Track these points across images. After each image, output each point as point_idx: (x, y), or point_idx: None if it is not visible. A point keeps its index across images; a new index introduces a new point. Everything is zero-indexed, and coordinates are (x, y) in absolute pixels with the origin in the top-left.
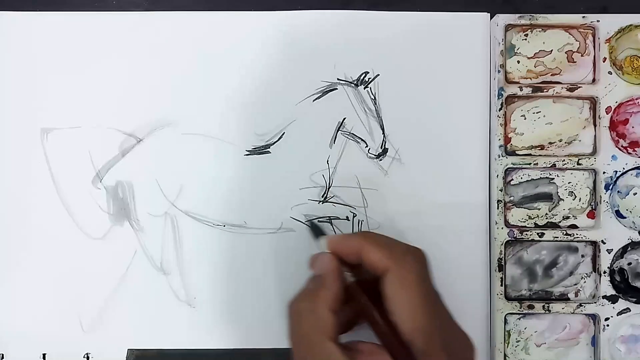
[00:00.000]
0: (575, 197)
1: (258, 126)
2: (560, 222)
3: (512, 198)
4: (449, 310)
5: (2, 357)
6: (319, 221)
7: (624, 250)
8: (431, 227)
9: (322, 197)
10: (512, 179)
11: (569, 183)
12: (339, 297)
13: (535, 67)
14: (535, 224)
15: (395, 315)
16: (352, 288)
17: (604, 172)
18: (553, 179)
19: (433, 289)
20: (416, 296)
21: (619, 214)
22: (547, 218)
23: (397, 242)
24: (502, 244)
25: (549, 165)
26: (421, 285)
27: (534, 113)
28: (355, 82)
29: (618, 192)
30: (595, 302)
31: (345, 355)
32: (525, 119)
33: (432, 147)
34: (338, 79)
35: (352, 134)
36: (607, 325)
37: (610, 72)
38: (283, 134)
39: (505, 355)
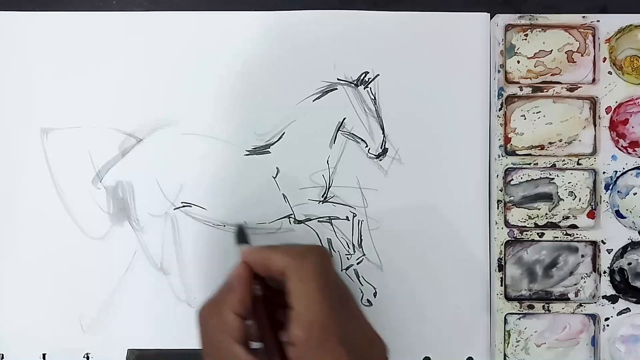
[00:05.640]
0: (575, 197)
1: (258, 126)
2: (560, 222)
3: (512, 198)
4: (360, 309)
5: (2, 357)
6: (318, 221)
7: (624, 250)
8: (431, 227)
9: (322, 197)
10: (512, 179)
11: (569, 183)
12: (244, 302)
13: (535, 67)
14: (535, 224)
15: (294, 310)
16: (256, 301)
17: (604, 172)
18: (553, 179)
19: (336, 284)
20: (314, 289)
21: (619, 214)
22: (547, 218)
23: (298, 245)
24: (502, 244)
25: (549, 165)
26: (319, 279)
27: (534, 113)
28: (355, 82)
29: (618, 192)
30: (595, 302)
31: (253, 357)
32: (525, 119)
33: (432, 147)
34: (338, 79)
35: (352, 134)
36: (607, 325)
37: (610, 72)
38: (283, 134)
39: (505, 355)
